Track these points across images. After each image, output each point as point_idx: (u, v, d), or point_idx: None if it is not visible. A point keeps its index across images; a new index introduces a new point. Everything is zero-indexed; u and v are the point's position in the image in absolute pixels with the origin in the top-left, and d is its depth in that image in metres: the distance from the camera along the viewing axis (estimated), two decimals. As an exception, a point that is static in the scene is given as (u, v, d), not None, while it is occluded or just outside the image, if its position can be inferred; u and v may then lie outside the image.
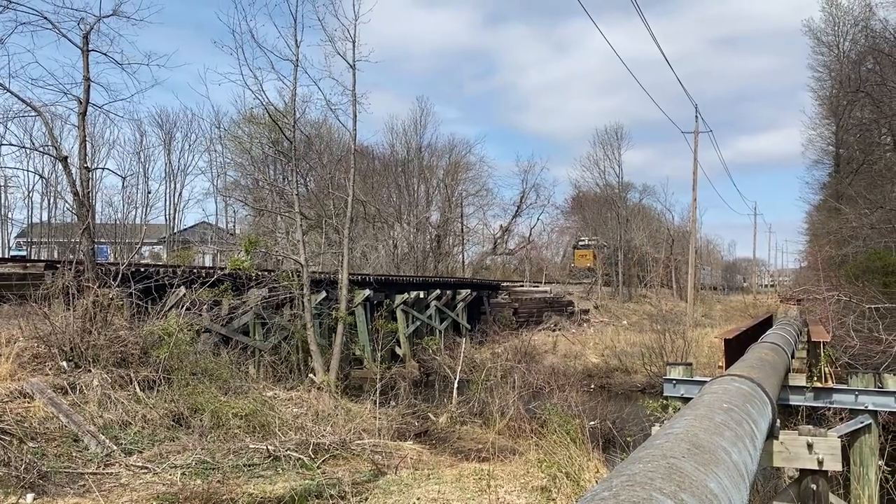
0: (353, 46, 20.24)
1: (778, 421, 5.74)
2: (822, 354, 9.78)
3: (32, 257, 38.73)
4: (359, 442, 12.14)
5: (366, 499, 8.91)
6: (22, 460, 8.84)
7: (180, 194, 56.55)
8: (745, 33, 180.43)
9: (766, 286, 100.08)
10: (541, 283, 50.44)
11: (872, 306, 15.43)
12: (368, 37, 75.59)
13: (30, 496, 8.17)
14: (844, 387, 8.60)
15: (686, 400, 8.01)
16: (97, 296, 13.12)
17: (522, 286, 46.14)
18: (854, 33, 41.32)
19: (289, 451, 10.89)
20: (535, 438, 11.56)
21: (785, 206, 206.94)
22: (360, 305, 26.06)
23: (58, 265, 15.57)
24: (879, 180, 30.75)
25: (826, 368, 9.15)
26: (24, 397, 10.80)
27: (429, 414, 16.93)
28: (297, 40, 19.76)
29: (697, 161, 39.30)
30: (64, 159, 15.43)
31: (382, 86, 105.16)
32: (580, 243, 64.50)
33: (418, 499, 8.83)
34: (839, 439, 6.47)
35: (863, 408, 8.38)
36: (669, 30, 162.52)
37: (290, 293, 20.32)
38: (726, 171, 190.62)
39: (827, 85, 44.99)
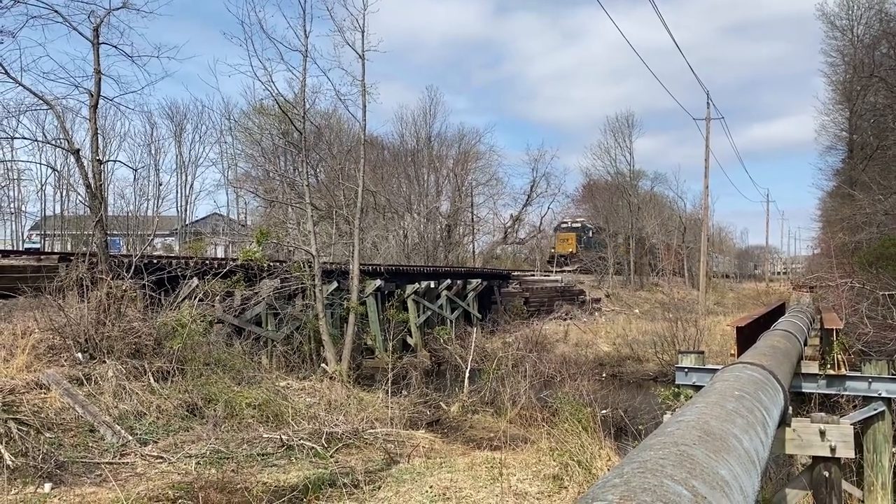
0: (362, 36, 20.23)
1: (790, 408, 5.74)
2: (835, 342, 9.74)
3: (46, 250, 39.05)
4: (371, 431, 12.20)
5: (379, 487, 8.97)
6: (39, 450, 8.95)
7: (191, 186, 56.75)
8: (755, 20, 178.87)
9: (778, 273, 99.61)
10: (551, 271, 50.30)
11: (886, 293, 15.31)
12: (377, 27, 75.60)
13: (48, 485, 8.28)
14: (858, 374, 8.59)
15: (698, 388, 8.02)
16: (111, 287, 13.22)
17: (533, 275, 46.07)
18: (868, 17, 40.81)
19: (302, 441, 10.97)
20: (547, 427, 11.57)
21: (797, 192, 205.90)
22: (371, 295, 26.12)
23: (71, 257, 15.69)
24: (894, 166, 30.41)
25: (839, 356, 9.12)
26: (41, 388, 10.92)
27: (440, 403, 16.98)
28: (305, 31, 19.78)
29: (709, 148, 39.07)
30: (76, 152, 15.52)
31: (391, 76, 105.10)
32: (562, 225, 58.62)
33: (431, 487, 8.87)
34: (852, 426, 6.45)
35: (876, 395, 8.36)
36: (676, 19, 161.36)
37: (302, 284, 20.40)
38: (738, 158, 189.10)
39: (840, 70, 44.48)
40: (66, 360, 12.07)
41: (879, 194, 24.05)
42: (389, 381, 15.36)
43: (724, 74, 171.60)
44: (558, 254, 54.45)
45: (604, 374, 25.33)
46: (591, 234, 56.77)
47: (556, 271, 49.55)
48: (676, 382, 8.83)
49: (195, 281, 17.47)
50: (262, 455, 10.35)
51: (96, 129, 15.42)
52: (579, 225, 57.17)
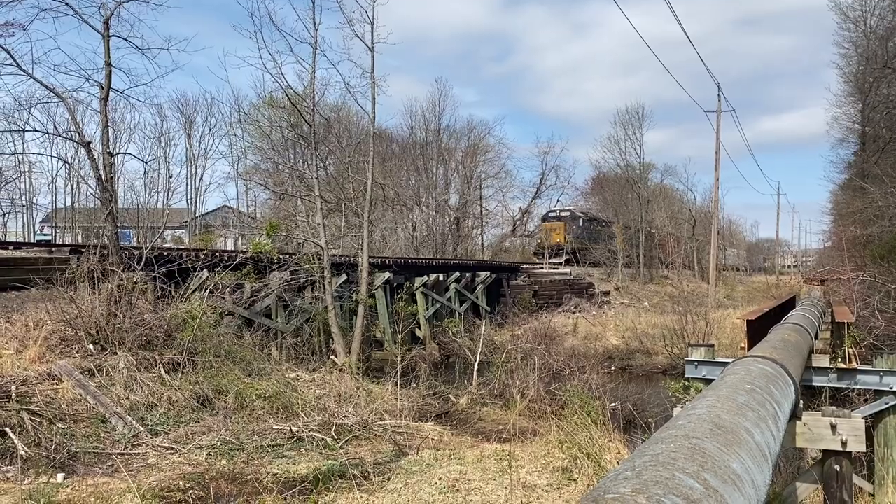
0: (372, 29, 20.16)
1: (801, 402, 5.71)
2: (846, 335, 9.68)
3: (58, 242, 39.30)
4: (380, 423, 12.24)
5: (388, 479, 9.00)
6: (52, 441, 9.03)
7: (201, 178, 56.87)
8: (766, 13, 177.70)
9: (789, 267, 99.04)
10: (560, 264, 50.13)
11: (898, 286, 15.21)
12: (387, 19, 75.42)
13: (60, 476, 8.36)
14: (869, 368, 8.53)
15: (708, 381, 7.99)
16: (122, 280, 13.30)
17: (542, 268, 45.99)
18: (882, 8, 40.35)
19: (312, 432, 11.02)
20: (556, 420, 11.58)
21: (809, 185, 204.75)
22: (380, 288, 26.16)
23: (83, 249, 15.78)
24: (906, 158, 30.14)
25: (850, 349, 9.07)
26: (53, 379, 11.01)
27: (449, 395, 17.00)
28: (315, 23, 19.74)
29: (720, 141, 38.83)
30: (87, 144, 15.59)
31: (401, 68, 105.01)
32: (550, 214, 54.36)
33: (440, 479, 8.90)
34: (863, 420, 6.42)
35: (888, 389, 8.31)
36: (688, 11, 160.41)
37: (312, 276, 20.44)
38: (749, 150, 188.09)
39: (853, 62, 44.03)
40: (77, 352, 12.16)
41: (892, 187, 23.84)
42: (398, 374, 15.40)
43: (736, 67, 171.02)
44: (546, 244, 50.77)
45: (613, 368, 25.30)
46: (582, 223, 53.37)
47: (546, 263, 47.00)
48: (686, 376, 8.80)
49: (205, 273, 17.54)
50: (273, 446, 10.41)
51: (107, 121, 15.47)
52: (568, 213, 53.09)
